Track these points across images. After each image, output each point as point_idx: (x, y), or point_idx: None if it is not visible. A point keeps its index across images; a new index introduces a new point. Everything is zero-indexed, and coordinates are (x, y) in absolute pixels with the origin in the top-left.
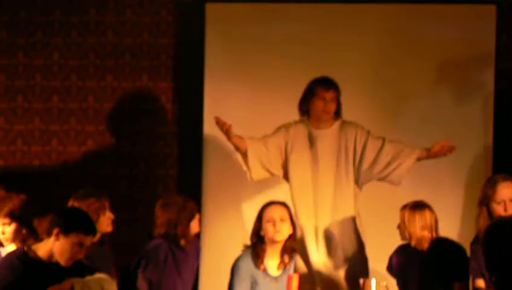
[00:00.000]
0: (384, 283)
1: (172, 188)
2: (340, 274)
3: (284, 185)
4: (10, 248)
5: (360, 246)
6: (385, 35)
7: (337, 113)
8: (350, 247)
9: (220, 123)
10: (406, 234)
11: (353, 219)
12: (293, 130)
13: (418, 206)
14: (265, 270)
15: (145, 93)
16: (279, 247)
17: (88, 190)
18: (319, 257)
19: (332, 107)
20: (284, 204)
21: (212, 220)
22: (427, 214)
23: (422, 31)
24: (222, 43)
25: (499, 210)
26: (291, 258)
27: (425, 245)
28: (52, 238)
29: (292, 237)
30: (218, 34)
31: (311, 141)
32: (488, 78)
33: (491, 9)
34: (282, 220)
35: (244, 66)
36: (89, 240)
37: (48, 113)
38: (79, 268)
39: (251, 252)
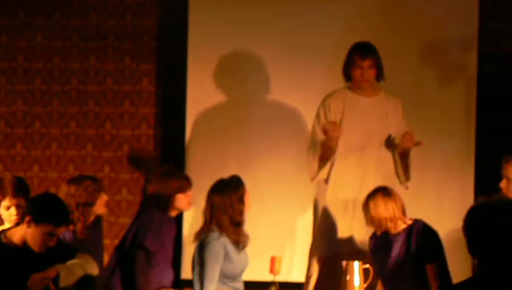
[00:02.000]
0: (367, 265)
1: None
2: None
3: (268, 162)
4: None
5: None
6: (371, 18)
7: (379, 77)
8: None
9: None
10: (376, 221)
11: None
12: (347, 96)
13: (384, 192)
14: (236, 244)
15: (128, 75)
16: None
17: (81, 174)
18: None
19: (371, 75)
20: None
21: (195, 201)
22: (395, 199)
23: (405, 12)
24: (205, 25)
25: None
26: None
27: (397, 229)
28: (25, 225)
29: None
30: (201, 16)
31: (361, 108)
32: (471, 60)
33: None
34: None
35: (227, 48)
36: (60, 230)
37: (31, 95)
38: (56, 251)
39: (223, 231)
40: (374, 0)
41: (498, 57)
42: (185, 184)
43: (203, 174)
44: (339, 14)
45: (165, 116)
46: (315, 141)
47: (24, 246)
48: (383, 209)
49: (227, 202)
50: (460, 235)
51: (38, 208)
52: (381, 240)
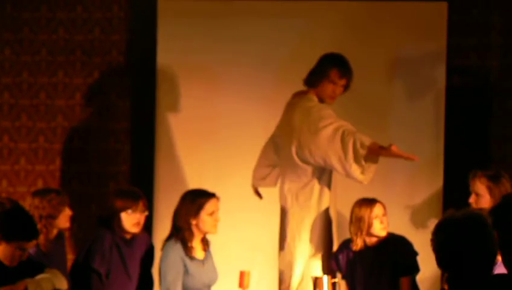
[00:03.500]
0: (337, 279)
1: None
2: None
3: (237, 176)
4: None
5: None
6: (339, 31)
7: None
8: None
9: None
10: (360, 229)
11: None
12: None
13: (370, 200)
14: (193, 256)
15: (97, 90)
16: (202, 235)
17: (47, 187)
18: None
19: (340, 93)
20: (217, 197)
21: (165, 216)
22: (380, 207)
23: (375, 27)
24: (174, 39)
25: None
26: (207, 241)
27: (378, 237)
28: None
29: None
30: (170, 30)
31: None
32: (440, 74)
33: (443, 6)
34: (216, 212)
35: (197, 63)
36: (31, 245)
37: (0, 110)
38: (26, 266)
39: (179, 240)
40: (342, 14)
41: (466, 71)
42: (129, 204)
43: (172, 189)
44: (306, 28)
45: (134, 131)
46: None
47: None
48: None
49: (184, 208)
50: (429, 248)
51: (8, 226)
52: (354, 253)
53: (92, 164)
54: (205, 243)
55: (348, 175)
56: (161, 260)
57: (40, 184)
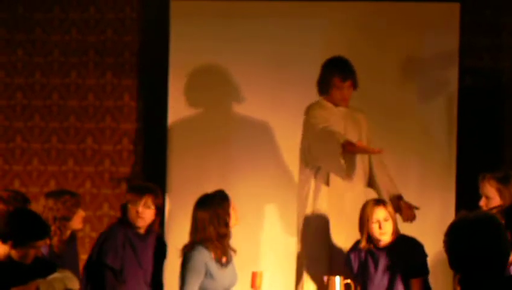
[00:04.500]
0: (349, 280)
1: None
2: None
3: (249, 178)
4: None
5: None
6: (351, 32)
7: (355, 87)
8: None
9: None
10: (366, 228)
11: None
12: (326, 105)
13: (380, 201)
14: (218, 260)
15: (109, 90)
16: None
17: (61, 188)
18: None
19: (350, 93)
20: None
21: (177, 216)
22: (390, 209)
23: (387, 28)
24: (187, 40)
25: None
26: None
27: (385, 240)
28: (8, 245)
29: None
30: (183, 31)
31: (340, 116)
32: (452, 75)
33: (455, 7)
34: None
35: (209, 64)
36: (43, 243)
37: (12, 110)
38: (39, 265)
39: (204, 245)
40: (354, 15)
41: (479, 71)
42: (133, 197)
43: (184, 189)
44: (318, 29)
45: (146, 132)
46: (310, 149)
47: (8, 260)
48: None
49: (212, 215)
50: (442, 250)
51: (21, 231)
52: (366, 254)
53: (105, 164)
54: (228, 246)
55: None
56: (183, 263)
57: (52, 185)
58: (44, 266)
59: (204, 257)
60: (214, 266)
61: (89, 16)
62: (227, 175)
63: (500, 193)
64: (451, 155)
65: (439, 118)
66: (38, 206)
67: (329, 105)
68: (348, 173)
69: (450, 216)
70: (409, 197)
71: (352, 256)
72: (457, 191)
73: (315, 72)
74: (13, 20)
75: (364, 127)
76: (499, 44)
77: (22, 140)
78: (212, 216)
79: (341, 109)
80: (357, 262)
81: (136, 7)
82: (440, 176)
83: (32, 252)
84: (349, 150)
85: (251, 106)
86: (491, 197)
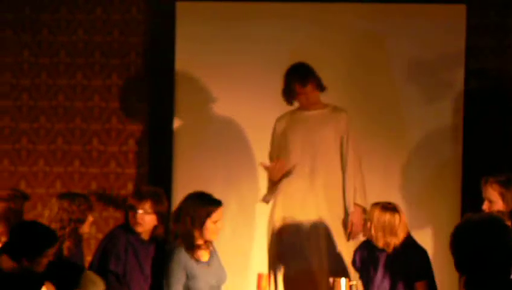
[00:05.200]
0: (354, 282)
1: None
2: None
3: (255, 179)
4: None
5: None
6: (357, 33)
7: (322, 90)
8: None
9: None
10: (372, 233)
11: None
12: (289, 117)
13: (388, 208)
14: (198, 259)
15: (115, 91)
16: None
17: (72, 191)
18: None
19: (315, 96)
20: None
21: None
22: (397, 218)
23: (393, 29)
24: (193, 41)
25: None
26: (210, 242)
27: (389, 248)
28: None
29: None
30: (188, 32)
31: (305, 121)
32: (458, 77)
33: (461, 9)
34: (220, 221)
35: (215, 65)
36: (53, 250)
37: (19, 111)
38: (53, 268)
39: (182, 245)
40: (359, 16)
41: (485, 74)
42: (133, 202)
43: (190, 191)
44: (324, 30)
45: (152, 133)
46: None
47: (20, 270)
48: (388, 228)
49: (189, 213)
50: (448, 252)
51: (33, 247)
52: (368, 255)
53: (110, 165)
54: (208, 244)
55: None
56: (164, 264)
57: (58, 186)
58: (70, 269)
59: (182, 260)
60: (194, 267)
61: (95, 17)
62: (234, 175)
63: (502, 196)
64: (457, 156)
65: (444, 120)
66: (52, 207)
67: (296, 112)
68: (265, 197)
69: (455, 218)
70: (414, 200)
71: (357, 255)
72: (463, 194)
73: (322, 73)
74: (19, 21)
75: (343, 127)
76: (505, 45)
77: (27, 141)
78: (191, 210)
79: (314, 112)
80: (360, 262)
81: (142, 8)
82: (446, 178)
83: (45, 261)
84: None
85: (257, 107)
86: (494, 201)
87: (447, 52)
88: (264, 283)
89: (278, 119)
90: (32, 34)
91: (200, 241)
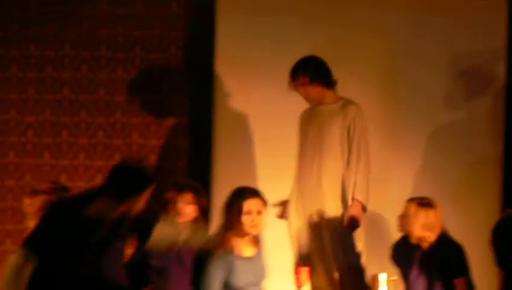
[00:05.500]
0: (395, 277)
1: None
2: None
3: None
4: None
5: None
6: (399, 28)
7: (328, 85)
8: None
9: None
10: (407, 228)
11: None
12: (308, 113)
13: (424, 204)
14: (239, 254)
15: (155, 85)
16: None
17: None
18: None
19: (306, 92)
20: (261, 196)
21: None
22: (432, 213)
23: (435, 24)
24: (233, 36)
25: None
26: (258, 239)
27: (425, 244)
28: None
29: None
30: (229, 27)
31: (317, 115)
32: (499, 71)
33: (502, 4)
34: (259, 213)
35: (254, 60)
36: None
37: (60, 105)
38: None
39: (226, 239)
40: (400, 11)
41: None
42: (174, 194)
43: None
44: (365, 24)
45: (192, 126)
46: None
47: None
48: (424, 223)
49: (226, 208)
50: (486, 248)
51: (132, 186)
52: (404, 250)
53: (150, 159)
54: (256, 240)
55: None
56: (204, 259)
57: (98, 179)
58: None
59: (221, 256)
60: (233, 262)
61: (135, 12)
62: (273, 170)
63: None
64: (496, 152)
65: (485, 115)
66: None
67: (314, 108)
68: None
69: (495, 214)
70: (453, 195)
71: (394, 250)
72: (503, 189)
73: (362, 71)
74: (26, 15)
75: (350, 119)
76: None
77: (68, 135)
78: (227, 205)
79: (324, 107)
80: (398, 257)
81: (182, 3)
82: (485, 173)
83: (140, 204)
84: None
85: (295, 104)
86: None
87: (488, 47)
88: (304, 277)
89: (300, 115)
90: (72, 27)
91: (238, 236)
